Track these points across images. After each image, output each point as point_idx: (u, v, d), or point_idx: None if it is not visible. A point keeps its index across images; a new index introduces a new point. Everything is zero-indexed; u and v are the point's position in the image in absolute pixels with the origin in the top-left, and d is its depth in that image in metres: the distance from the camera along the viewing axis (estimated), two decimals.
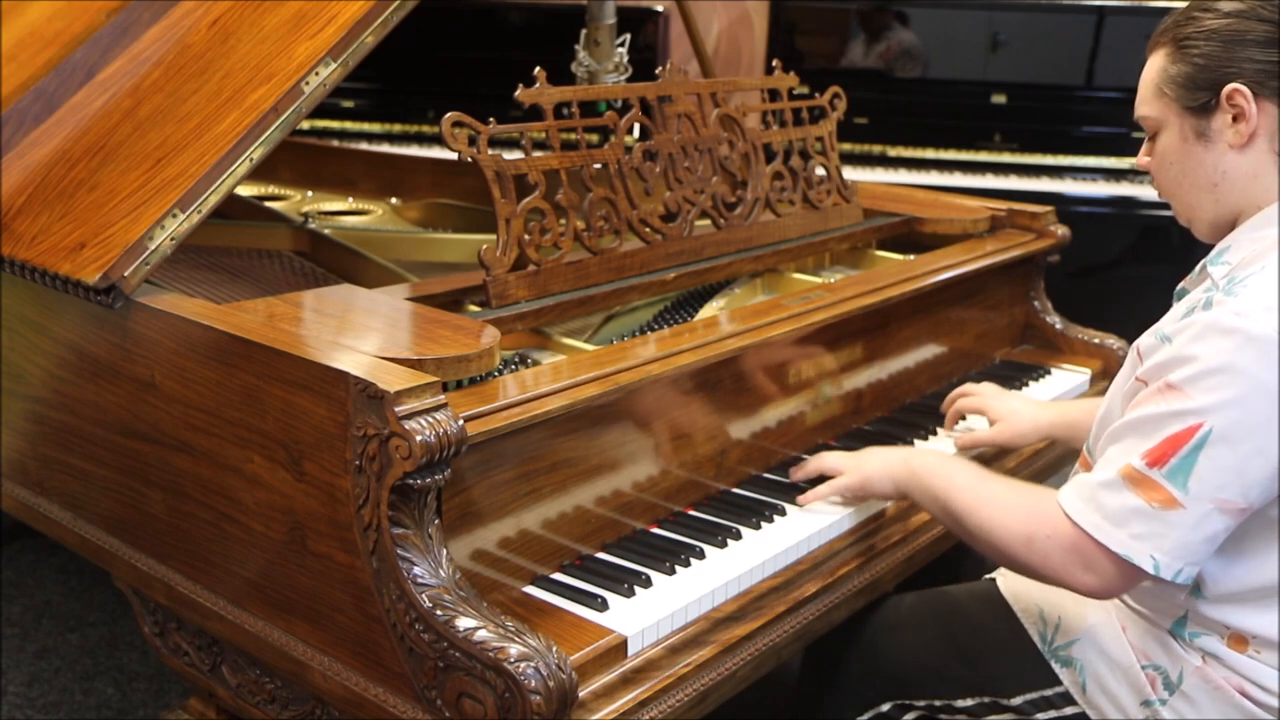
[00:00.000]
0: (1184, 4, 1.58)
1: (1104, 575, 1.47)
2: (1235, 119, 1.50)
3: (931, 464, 1.70)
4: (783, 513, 1.79)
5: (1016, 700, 1.67)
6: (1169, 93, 1.54)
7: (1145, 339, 1.53)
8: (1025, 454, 2.19)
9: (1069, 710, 1.64)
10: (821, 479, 1.83)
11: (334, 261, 2.27)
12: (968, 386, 2.14)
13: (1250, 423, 1.38)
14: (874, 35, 4.33)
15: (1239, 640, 1.52)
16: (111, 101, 1.97)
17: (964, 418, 2.14)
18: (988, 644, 1.71)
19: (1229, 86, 1.48)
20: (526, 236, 1.80)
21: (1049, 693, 1.66)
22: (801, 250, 2.27)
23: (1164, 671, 1.56)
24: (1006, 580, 1.76)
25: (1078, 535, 1.47)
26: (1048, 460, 2.24)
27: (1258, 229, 1.51)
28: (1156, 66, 1.56)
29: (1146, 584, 1.56)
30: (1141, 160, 1.64)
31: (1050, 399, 2.35)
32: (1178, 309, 1.53)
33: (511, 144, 1.82)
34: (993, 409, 2.06)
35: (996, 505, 1.57)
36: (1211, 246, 1.58)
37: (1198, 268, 1.58)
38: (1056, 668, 1.65)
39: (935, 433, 2.14)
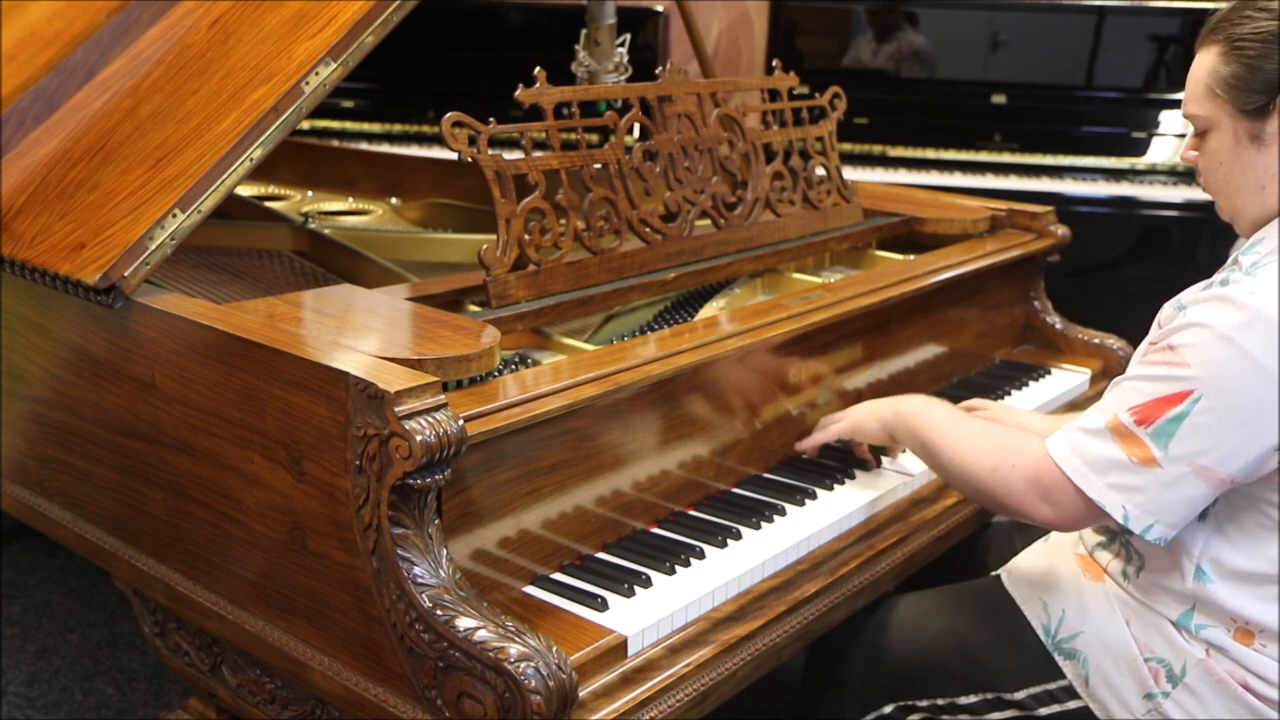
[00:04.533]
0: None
1: (1063, 508, 1.54)
2: None
3: (916, 405, 1.79)
4: (783, 513, 1.79)
5: (1020, 695, 1.67)
6: (1222, 94, 1.53)
7: (1166, 308, 1.57)
8: None
9: (1072, 704, 1.65)
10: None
11: (334, 261, 2.27)
12: (974, 402, 2.14)
13: (1238, 397, 1.42)
14: (874, 35, 4.33)
15: (1245, 632, 1.52)
16: (111, 101, 1.97)
17: None
18: (990, 638, 1.71)
19: None
20: (526, 236, 1.80)
21: (1052, 686, 1.66)
22: (801, 250, 2.27)
23: (1167, 664, 1.56)
24: (1010, 574, 1.76)
25: (1046, 469, 1.54)
26: None
27: None
28: (1207, 66, 1.55)
29: (1153, 577, 1.58)
30: (1189, 155, 1.64)
31: (1050, 398, 2.35)
32: (1201, 284, 1.55)
33: (511, 144, 1.82)
34: (1003, 422, 2.06)
35: (970, 439, 1.66)
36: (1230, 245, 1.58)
37: (1231, 258, 1.59)
38: (1060, 660, 1.65)
39: None
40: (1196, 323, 1.46)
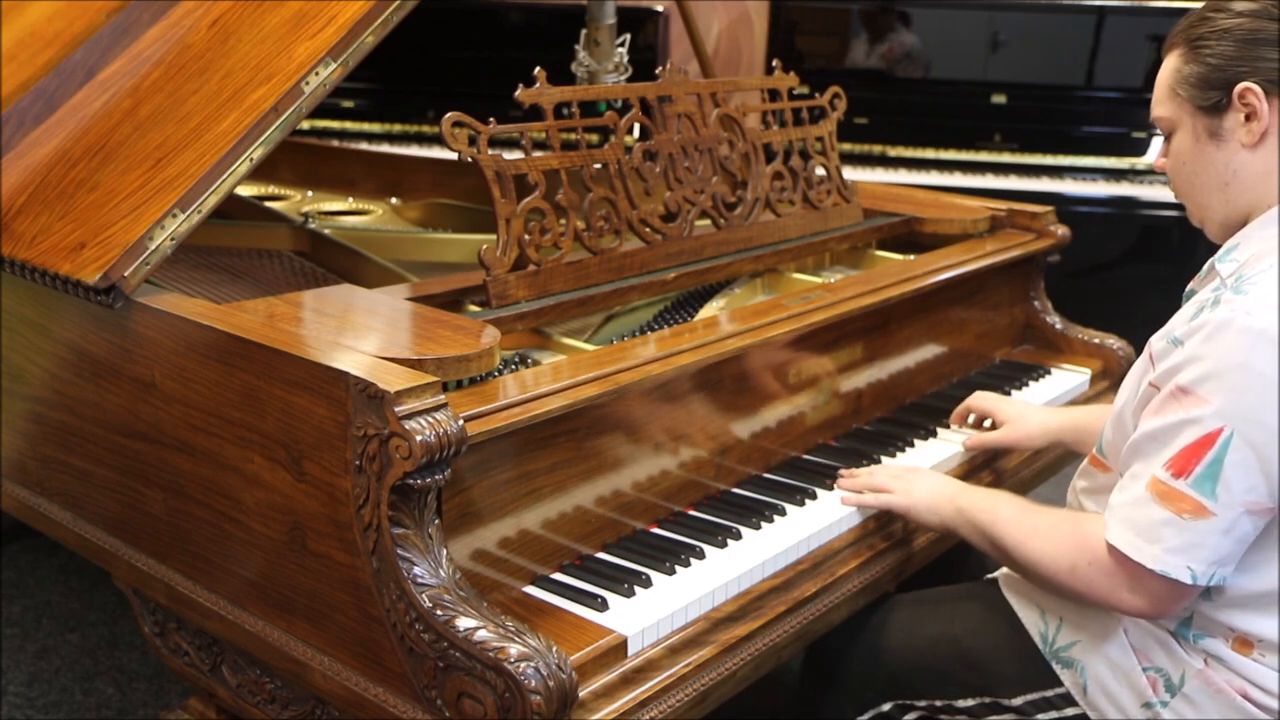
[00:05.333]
0: (1183, 3, 1.58)
1: (1149, 595, 1.47)
2: (1247, 118, 1.50)
3: (977, 501, 1.71)
4: (783, 513, 1.79)
5: (1017, 701, 1.67)
6: (1182, 93, 1.54)
7: (1157, 342, 1.53)
8: (1024, 455, 2.19)
9: (1069, 711, 1.64)
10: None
11: (334, 261, 2.27)
12: (978, 395, 2.14)
13: (1269, 422, 1.38)
14: (874, 35, 4.34)
15: (1244, 643, 1.51)
16: (111, 101, 1.97)
17: (969, 420, 2.14)
18: (989, 645, 1.71)
19: (1241, 85, 1.48)
20: (526, 236, 1.80)
21: (1050, 694, 1.65)
22: (801, 250, 2.27)
23: (1165, 673, 1.56)
24: (1007, 581, 1.76)
25: (1117, 558, 1.48)
26: (1047, 460, 2.24)
27: (1266, 226, 1.51)
28: (1171, 67, 1.56)
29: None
30: (1158, 161, 1.65)
31: (1050, 398, 2.35)
32: (1187, 309, 1.52)
33: (511, 144, 1.82)
34: (1001, 411, 2.07)
35: (1040, 537, 1.58)
36: (1218, 247, 1.58)
37: (1206, 266, 1.58)
38: (1057, 669, 1.65)
39: (935, 433, 2.14)
40: (1201, 356, 1.42)
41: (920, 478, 1.83)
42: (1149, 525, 1.44)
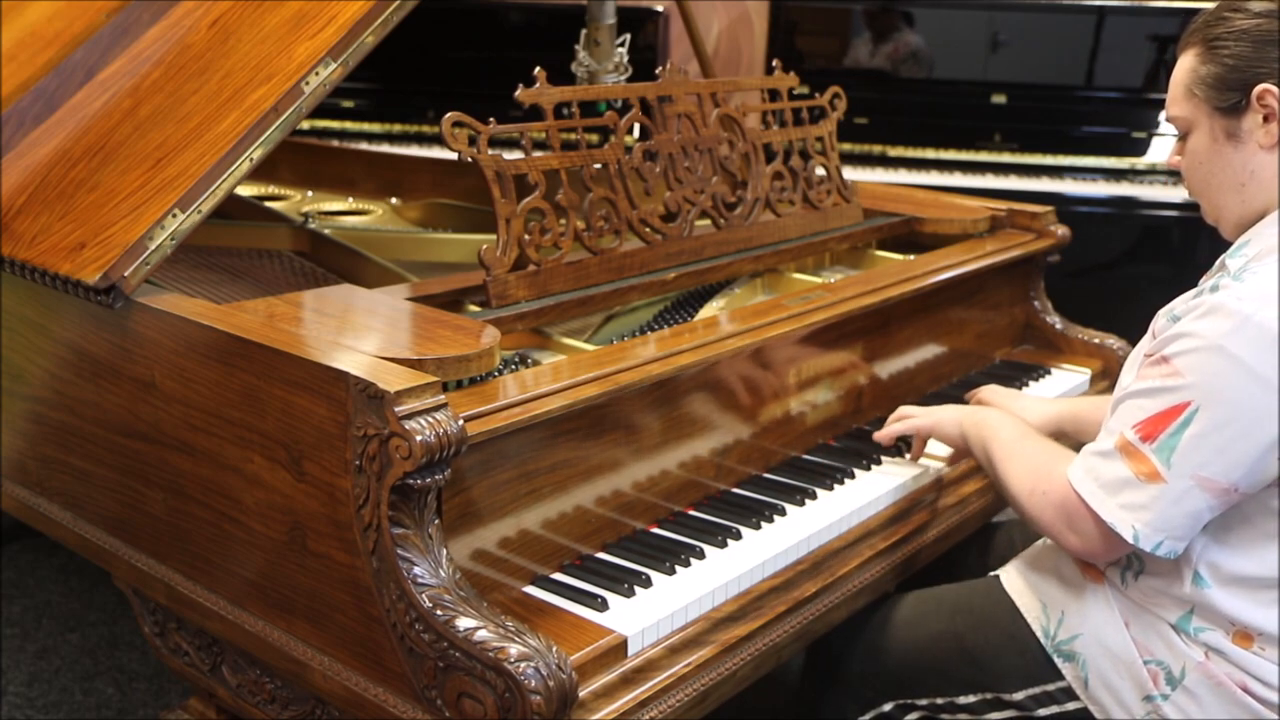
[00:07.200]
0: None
1: (1088, 539, 1.54)
2: (1266, 119, 1.50)
3: (990, 418, 1.81)
4: (783, 513, 1.79)
5: (1018, 696, 1.67)
6: (1199, 93, 1.55)
7: (1160, 318, 1.57)
8: None
9: (1071, 705, 1.65)
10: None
11: (334, 261, 2.27)
12: (985, 389, 2.16)
13: (1235, 405, 1.42)
14: (874, 35, 4.33)
15: (1244, 636, 1.52)
16: (111, 101, 1.97)
17: None
18: (990, 639, 1.71)
19: (1260, 87, 1.49)
20: (526, 236, 1.80)
21: (1051, 688, 1.66)
22: (801, 250, 2.27)
23: (1166, 667, 1.56)
24: (1009, 576, 1.76)
25: (1070, 497, 1.55)
26: None
27: (1273, 224, 1.52)
28: (1186, 67, 1.57)
29: (1152, 580, 1.58)
30: (1173, 160, 1.66)
31: (1051, 399, 2.35)
32: (1192, 292, 1.55)
33: (511, 144, 1.82)
34: (1005, 405, 2.07)
35: (1018, 459, 1.68)
36: (1225, 246, 1.59)
37: (1218, 263, 1.59)
38: (1059, 662, 1.65)
39: None
40: (1188, 333, 1.46)
41: (942, 407, 1.96)
42: (1111, 479, 1.50)
